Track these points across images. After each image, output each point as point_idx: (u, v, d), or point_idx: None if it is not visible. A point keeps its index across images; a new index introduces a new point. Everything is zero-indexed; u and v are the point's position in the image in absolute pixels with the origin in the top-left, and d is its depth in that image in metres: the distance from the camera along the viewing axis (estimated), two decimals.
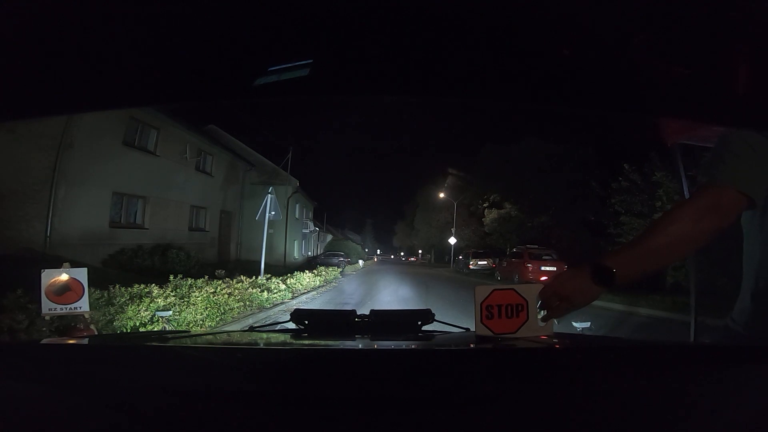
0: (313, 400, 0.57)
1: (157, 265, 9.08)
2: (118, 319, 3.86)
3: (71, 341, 1.20)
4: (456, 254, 22.46)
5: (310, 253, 25.42)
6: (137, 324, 3.96)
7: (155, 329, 3.82)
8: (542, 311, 0.92)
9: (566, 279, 0.93)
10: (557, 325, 0.96)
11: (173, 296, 4.62)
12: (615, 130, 11.43)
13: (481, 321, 0.91)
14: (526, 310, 0.92)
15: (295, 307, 1.71)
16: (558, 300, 0.90)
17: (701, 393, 0.61)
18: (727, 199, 0.84)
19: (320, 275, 10.55)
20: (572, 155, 17.33)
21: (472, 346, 0.96)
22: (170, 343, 0.99)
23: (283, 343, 1.09)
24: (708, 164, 0.90)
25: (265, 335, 1.30)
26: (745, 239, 0.95)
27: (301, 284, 8.73)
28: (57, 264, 2.59)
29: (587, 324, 1.33)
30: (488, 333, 0.91)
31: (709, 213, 0.84)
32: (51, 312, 2.49)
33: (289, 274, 8.68)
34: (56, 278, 2.47)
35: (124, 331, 3.78)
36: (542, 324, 0.92)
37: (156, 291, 4.50)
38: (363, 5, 0.56)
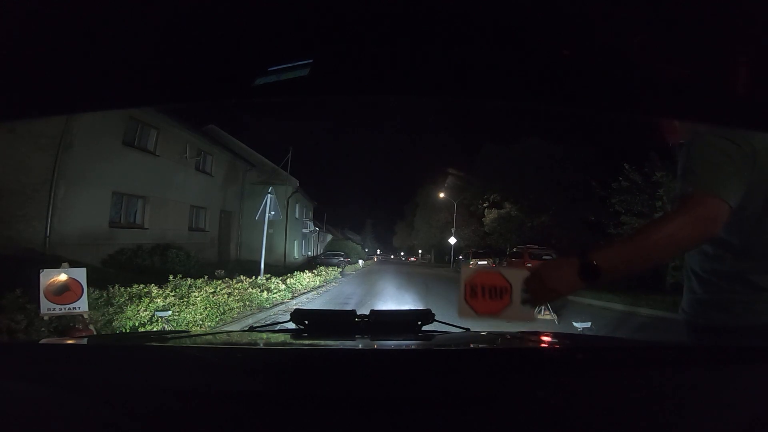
0: (313, 400, 0.57)
1: (157, 265, 9.08)
2: (117, 319, 3.85)
3: (70, 341, 1.20)
4: (456, 254, 22.52)
5: (310, 253, 25.44)
6: (136, 324, 3.96)
7: (154, 329, 3.82)
8: (525, 296, 0.92)
9: (553, 269, 0.93)
10: (557, 325, 0.96)
11: (172, 296, 4.61)
12: (615, 130, 11.45)
13: (464, 299, 0.91)
14: (510, 294, 0.92)
15: (295, 307, 1.70)
16: (543, 288, 0.90)
17: (701, 393, 0.61)
18: (717, 208, 0.88)
19: (320, 275, 10.56)
20: (572, 155, 17.36)
21: (471, 346, 0.96)
22: (170, 343, 0.99)
23: (283, 343, 1.09)
24: (689, 173, 0.94)
25: (264, 335, 1.30)
26: None
27: (301, 284, 8.73)
28: (56, 264, 2.59)
29: (588, 324, 1.33)
30: (471, 313, 0.90)
31: (700, 222, 0.88)
32: (50, 312, 2.49)
33: (288, 274, 8.68)
34: (55, 278, 2.48)
35: (123, 331, 3.77)
36: (525, 309, 0.92)
37: (155, 291, 4.48)
38: (363, 5, 0.56)
